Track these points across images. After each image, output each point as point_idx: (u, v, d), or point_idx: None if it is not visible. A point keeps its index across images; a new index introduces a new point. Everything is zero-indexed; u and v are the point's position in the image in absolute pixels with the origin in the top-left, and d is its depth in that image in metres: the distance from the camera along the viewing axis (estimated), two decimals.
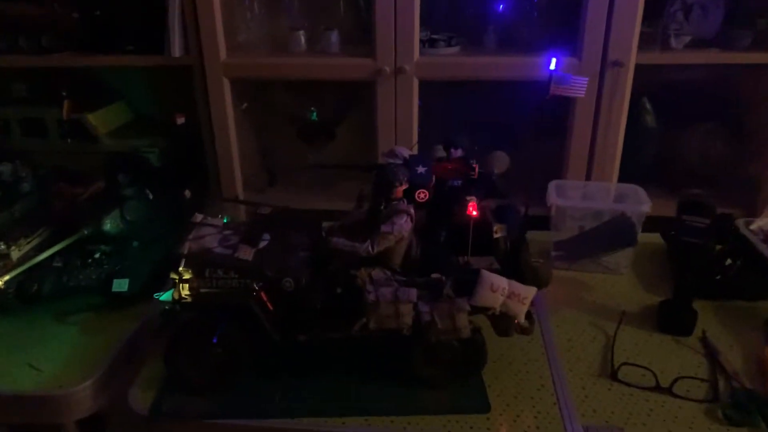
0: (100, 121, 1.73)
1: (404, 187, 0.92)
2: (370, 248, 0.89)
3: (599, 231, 1.36)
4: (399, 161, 1.03)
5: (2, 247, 1.19)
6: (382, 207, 0.93)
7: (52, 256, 1.24)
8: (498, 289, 0.87)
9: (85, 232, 1.24)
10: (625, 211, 1.32)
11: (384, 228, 0.89)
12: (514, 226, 0.98)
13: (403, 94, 1.46)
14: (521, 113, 1.61)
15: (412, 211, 0.92)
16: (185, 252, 0.95)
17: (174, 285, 0.93)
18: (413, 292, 0.89)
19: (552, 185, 1.37)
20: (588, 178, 1.50)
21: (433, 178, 1.02)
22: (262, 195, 1.68)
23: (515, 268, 0.92)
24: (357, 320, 0.89)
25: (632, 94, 1.44)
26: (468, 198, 1.01)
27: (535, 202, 1.40)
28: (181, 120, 1.62)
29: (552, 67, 0.89)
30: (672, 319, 1.12)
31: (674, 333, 1.11)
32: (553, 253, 1.38)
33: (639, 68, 1.40)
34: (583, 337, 1.11)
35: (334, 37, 1.50)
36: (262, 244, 0.99)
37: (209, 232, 1.01)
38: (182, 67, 1.53)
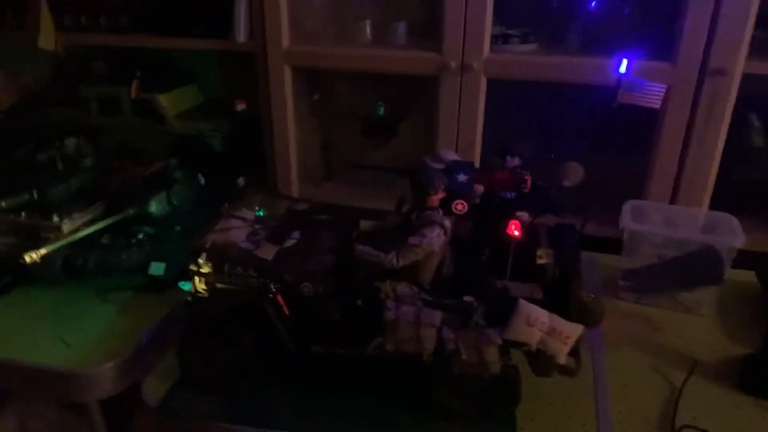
0: (170, 102, 1.75)
1: (440, 195, 0.82)
2: (394, 260, 0.80)
3: (679, 263, 1.18)
4: (441, 166, 0.93)
5: (55, 219, 1.21)
6: (413, 215, 0.83)
7: (101, 233, 1.25)
8: (536, 323, 0.76)
9: (131, 212, 1.24)
10: (713, 244, 1.14)
11: (411, 240, 0.80)
12: (568, 251, 0.85)
13: (468, 93, 1.34)
14: (602, 121, 1.46)
15: (447, 223, 0.82)
16: (207, 244, 0.91)
17: (192, 277, 0.89)
18: (437, 316, 0.79)
19: (627, 206, 1.21)
20: (673, 201, 1.32)
21: (480, 188, 0.92)
22: (317, 188, 1.63)
23: (561, 300, 0.79)
24: (374, 338, 0.81)
25: (735, 108, 1.24)
26: (517, 214, 0.90)
27: (609, 221, 1.26)
28: (241, 106, 1.61)
29: (622, 69, 0.76)
30: (758, 378, 0.94)
31: (758, 395, 0.93)
32: (622, 283, 1.22)
33: (747, 78, 1.20)
34: (642, 384, 0.96)
35: (402, 28, 1.41)
36: (289, 243, 0.93)
37: (237, 225, 0.96)
38: (250, 53, 1.50)
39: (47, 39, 1.52)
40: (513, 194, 0.98)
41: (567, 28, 1.39)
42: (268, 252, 0.88)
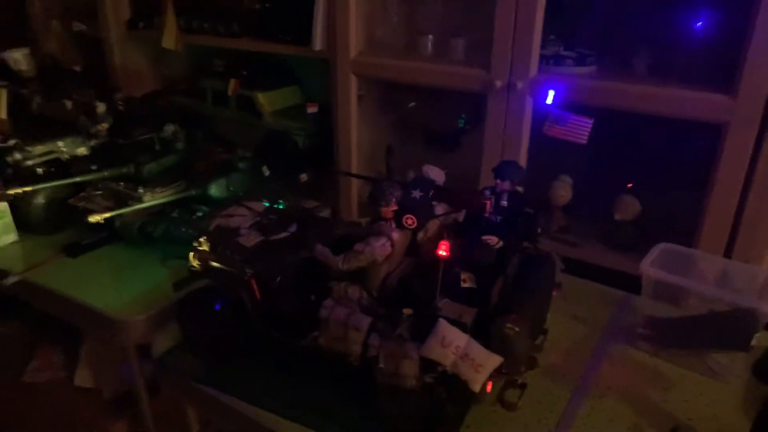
0: (268, 100, 1.95)
1: (392, 208, 0.86)
2: (339, 263, 0.86)
3: (710, 321, 1.06)
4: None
5: (140, 191, 1.46)
6: (369, 224, 0.88)
7: (173, 207, 1.47)
8: (450, 345, 0.77)
9: (193, 192, 1.44)
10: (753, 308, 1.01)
11: (357, 246, 0.85)
12: (515, 281, 0.83)
13: (512, 114, 1.33)
14: (663, 153, 1.34)
15: (394, 235, 0.85)
16: (212, 226, 1.05)
17: (194, 252, 1.03)
18: (365, 321, 0.83)
19: (657, 250, 1.11)
20: (728, 252, 1.17)
21: (440, 208, 0.93)
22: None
23: (488, 328, 0.79)
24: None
25: None
26: (484, 238, 0.90)
27: None
28: (312, 109, 1.75)
29: (549, 101, 0.72)
30: None
31: None
32: (641, 330, 1.13)
33: None
34: None
35: (460, 43, 1.43)
36: (280, 235, 1.04)
37: (243, 213, 1.09)
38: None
39: (169, 39, 1.79)
40: (499, 218, 0.97)
41: (635, 51, 1.29)
42: (248, 240, 0.99)
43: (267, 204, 1.16)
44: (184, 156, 1.63)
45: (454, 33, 1.46)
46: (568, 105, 1.29)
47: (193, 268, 1.02)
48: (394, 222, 0.87)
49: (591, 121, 0.74)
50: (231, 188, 1.46)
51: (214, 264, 1.00)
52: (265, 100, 1.94)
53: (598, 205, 1.43)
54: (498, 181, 0.98)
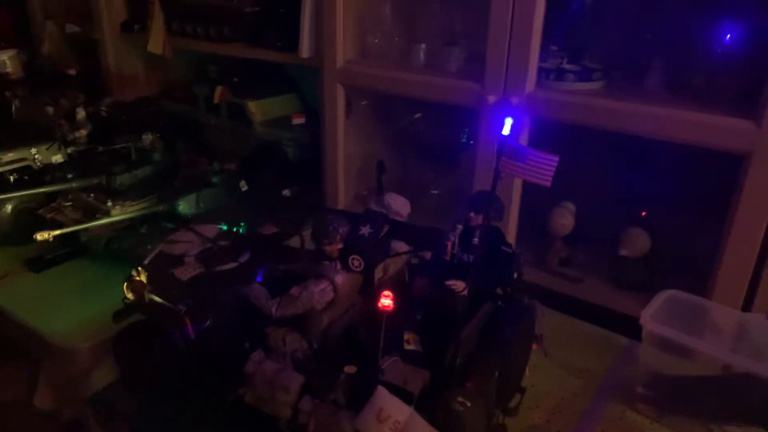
0: (260, 108, 1.85)
1: (337, 246, 0.73)
2: (273, 309, 0.74)
3: (724, 385, 0.91)
4: (383, 211, 0.83)
5: (108, 204, 1.36)
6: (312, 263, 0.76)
7: (141, 222, 1.37)
8: (387, 419, 0.63)
9: (160, 208, 1.34)
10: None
11: (293, 290, 0.73)
12: (460, 340, 0.69)
13: None
14: (678, 181, 1.18)
15: (338, 279, 0.73)
16: (153, 253, 0.94)
17: (128, 282, 0.92)
18: (295, 382, 0.71)
19: (661, 297, 0.96)
20: (748, 304, 1.01)
21: (399, 245, 0.80)
22: (365, 207, 1.58)
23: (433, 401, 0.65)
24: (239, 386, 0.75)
25: None
26: (448, 282, 0.77)
27: None
28: (299, 120, 1.64)
29: (505, 131, 0.58)
30: None
31: None
32: (640, 390, 0.97)
33: None
34: None
35: (454, 54, 1.30)
36: (227, 266, 0.92)
37: (190, 239, 0.98)
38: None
39: (155, 43, 1.71)
40: (470, 257, 0.83)
41: (648, 66, 1.14)
42: (188, 272, 0.87)
43: (224, 227, 1.04)
44: (162, 167, 1.53)
45: (451, 42, 1.33)
46: (568, 126, 1.15)
47: (126, 301, 0.91)
48: (339, 262, 0.74)
49: (556, 160, 0.61)
50: (202, 204, 1.35)
51: (150, 297, 0.89)
52: (255, 108, 1.84)
53: (604, 236, 1.28)
54: (471, 214, 0.84)
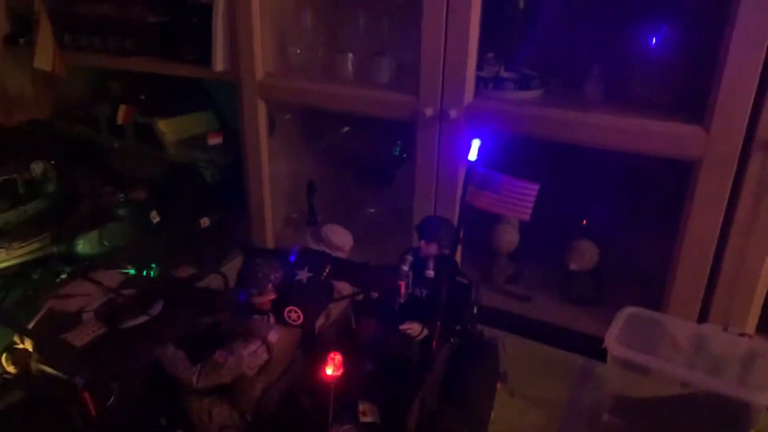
0: (171, 127, 1.67)
1: (269, 297, 0.61)
2: (194, 378, 0.60)
3: (692, 407, 0.86)
4: (322, 248, 0.71)
5: None
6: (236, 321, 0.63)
7: (35, 266, 1.17)
8: None
9: (54, 250, 1.15)
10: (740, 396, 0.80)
11: (217, 355, 0.59)
12: (425, 399, 0.59)
13: (447, 145, 1.10)
14: (625, 191, 1.15)
15: (271, 337, 0.60)
16: (39, 315, 0.77)
17: (8, 352, 0.75)
18: None
19: (621, 316, 0.90)
20: (703, 315, 0.98)
21: (343, 287, 0.69)
22: (297, 235, 1.46)
23: None
24: None
25: None
26: (402, 327, 0.66)
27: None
28: (215, 140, 1.49)
29: (472, 156, 0.50)
30: None
31: None
32: (607, 417, 0.91)
33: None
34: None
35: (385, 64, 1.21)
36: (136, 321, 0.77)
37: (87, 292, 0.81)
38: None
39: (43, 59, 1.50)
40: (424, 292, 0.73)
41: (587, 74, 1.09)
42: (86, 335, 0.71)
43: (132, 271, 0.89)
44: (56, 200, 1.34)
45: (379, 52, 1.24)
46: (510, 137, 1.08)
47: (7, 375, 0.74)
48: (272, 315, 0.62)
49: (536, 188, 0.53)
50: (105, 242, 1.18)
51: (39, 367, 0.72)
52: (166, 127, 1.66)
53: (550, 250, 1.22)
54: (422, 243, 0.74)
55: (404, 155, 1.44)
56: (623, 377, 0.89)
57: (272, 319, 0.62)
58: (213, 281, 0.93)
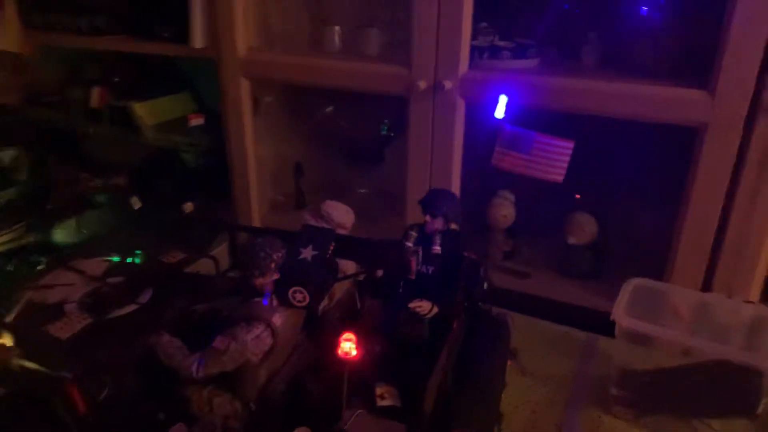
0: (149, 111, 1.60)
1: (272, 277, 0.57)
2: (194, 368, 0.56)
3: (695, 377, 0.84)
4: (324, 225, 0.67)
5: None
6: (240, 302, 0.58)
7: (9, 258, 1.11)
8: None
9: (30, 239, 1.09)
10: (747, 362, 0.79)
11: (218, 342, 0.55)
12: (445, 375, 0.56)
13: (441, 118, 1.06)
14: (624, 161, 1.12)
15: (275, 320, 0.56)
16: (19, 305, 0.71)
17: None
18: None
19: (628, 288, 0.88)
20: (707, 284, 0.96)
21: (348, 265, 0.65)
22: (285, 217, 1.41)
23: None
24: None
25: None
26: (411, 305, 0.62)
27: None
28: (197, 121, 1.43)
29: (499, 113, 0.46)
30: None
31: None
32: (614, 391, 0.89)
33: None
34: None
35: (374, 36, 1.16)
36: (123, 311, 0.72)
37: (70, 281, 0.76)
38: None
39: (8, 39, 1.41)
40: (430, 269, 0.70)
41: (583, 41, 1.06)
42: (70, 327, 0.66)
43: (116, 259, 0.84)
44: (29, 189, 1.27)
45: (367, 24, 1.18)
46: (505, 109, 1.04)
47: None
48: (275, 297, 0.57)
49: (571, 146, 0.49)
50: (84, 231, 1.12)
51: (20, 363, 0.67)
52: (143, 111, 1.59)
53: (548, 225, 1.20)
54: (427, 217, 0.70)
55: (392, 134, 1.40)
56: (630, 350, 0.87)
57: (275, 302, 0.58)
58: (203, 266, 0.88)
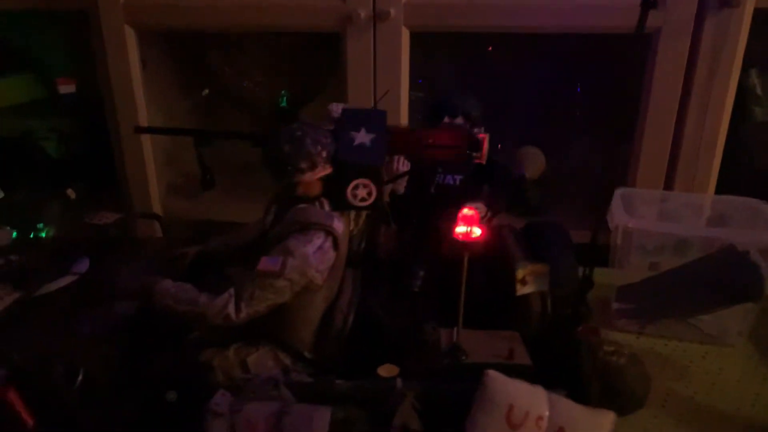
0: None
1: (322, 172, 0.42)
2: (230, 309, 0.38)
3: (695, 273, 0.83)
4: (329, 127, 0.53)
5: None
6: (274, 215, 0.42)
7: None
8: (526, 419, 0.36)
9: None
10: (735, 243, 0.80)
11: (264, 264, 0.39)
12: (565, 273, 0.46)
13: (386, 52, 0.96)
14: (573, 93, 1.12)
15: (337, 224, 0.41)
16: None
17: None
18: (322, 418, 0.37)
19: (618, 195, 0.85)
20: (668, 187, 0.99)
21: (399, 165, 0.53)
22: (191, 202, 1.19)
23: (567, 365, 0.40)
24: None
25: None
26: (465, 209, 0.51)
27: (582, 223, 0.91)
28: (67, 88, 1.16)
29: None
30: None
31: None
32: (616, 305, 0.85)
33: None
34: None
35: None
36: (59, 284, 0.50)
37: None
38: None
39: None
40: (458, 178, 0.60)
41: None
42: None
43: (15, 234, 0.61)
44: None
45: None
46: (445, 36, 0.98)
47: None
48: (326, 201, 0.43)
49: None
50: None
51: None
52: None
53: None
54: (447, 118, 0.60)
55: (291, 108, 1.26)
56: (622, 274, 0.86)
57: (327, 205, 0.43)
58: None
